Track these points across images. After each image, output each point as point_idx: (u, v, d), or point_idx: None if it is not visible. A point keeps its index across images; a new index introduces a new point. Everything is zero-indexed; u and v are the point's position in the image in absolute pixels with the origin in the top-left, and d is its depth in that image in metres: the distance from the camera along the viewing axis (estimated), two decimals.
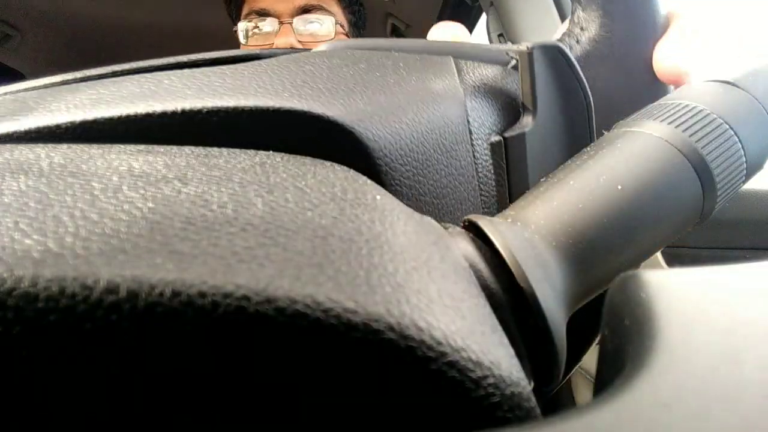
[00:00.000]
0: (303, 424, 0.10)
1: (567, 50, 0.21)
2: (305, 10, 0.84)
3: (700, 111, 0.19)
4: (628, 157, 0.18)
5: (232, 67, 0.19)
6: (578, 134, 0.23)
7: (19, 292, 0.08)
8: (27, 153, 0.13)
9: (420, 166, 0.18)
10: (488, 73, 0.22)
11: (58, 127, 0.15)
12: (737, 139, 0.19)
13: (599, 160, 0.18)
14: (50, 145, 0.14)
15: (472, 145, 0.20)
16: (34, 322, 0.08)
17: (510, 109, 0.22)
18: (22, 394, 0.09)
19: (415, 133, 0.18)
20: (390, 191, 0.17)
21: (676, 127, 0.18)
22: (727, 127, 0.19)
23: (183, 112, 0.16)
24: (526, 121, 0.21)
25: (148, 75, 0.18)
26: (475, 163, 0.20)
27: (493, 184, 0.21)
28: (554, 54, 0.21)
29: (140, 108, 0.15)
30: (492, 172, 0.21)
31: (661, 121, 0.19)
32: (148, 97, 0.16)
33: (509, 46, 0.22)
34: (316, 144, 0.16)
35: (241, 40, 0.85)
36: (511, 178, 0.21)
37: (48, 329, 0.08)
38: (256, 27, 0.84)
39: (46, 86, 0.18)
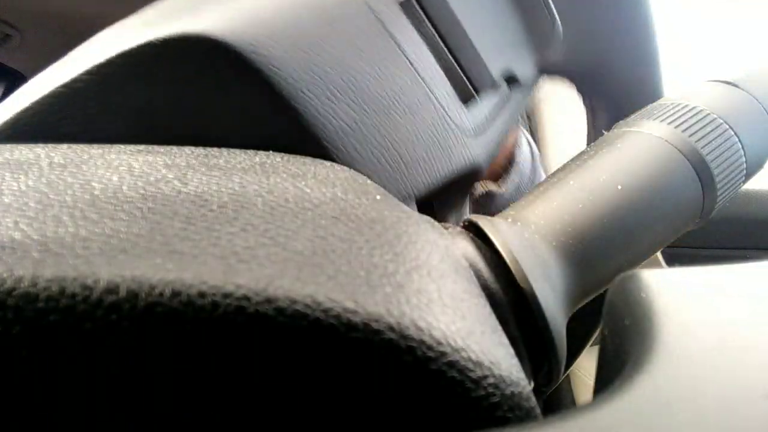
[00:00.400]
0: (303, 424, 0.10)
1: None
2: None
3: (700, 111, 0.19)
4: (628, 157, 0.18)
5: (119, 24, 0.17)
6: None
7: (19, 292, 0.08)
8: (27, 153, 0.13)
9: (315, 51, 0.15)
10: None
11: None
12: (737, 139, 0.19)
13: (599, 160, 0.18)
14: (50, 145, 0.14)
15: (373, 11, 0.16)
16: (34, 322, 0.08)
17: None
18: (21, 395, 0.09)
19: (294, 24, 0.15)
20: (290, 93, 0.14)
21: (676, 127, 0.18)
22: (727, 127, 0.19)
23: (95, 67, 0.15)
24: None
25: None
26: (388, 30, 0.16)
27: (423, 46, 0.17)
28: None
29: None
30: (415, 34, 0.17)
31: (661, 121, 0.19)
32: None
33: None
34: (201, 70, 0.14)
35: None
36: (442, 31, 0.18)
37: (48, 329, 0.08)
38: None
39: None
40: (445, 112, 0.18)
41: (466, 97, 0.19)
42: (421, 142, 0.17)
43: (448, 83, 0.18)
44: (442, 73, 0.18)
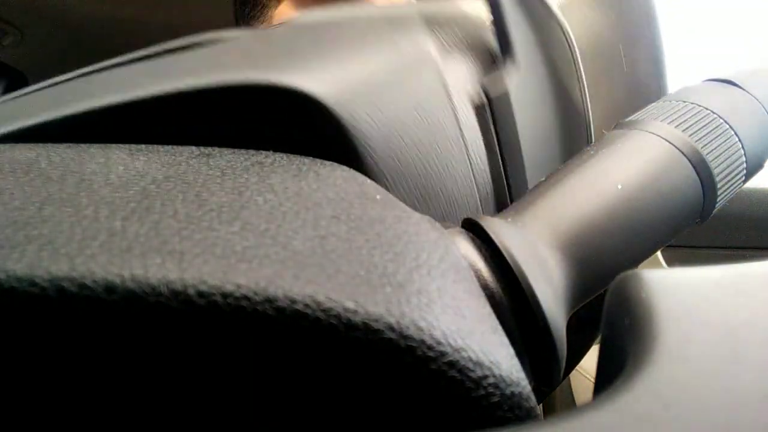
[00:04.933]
0: (303, 424, 0.10)
1: None
2: None
3: (700, 111, 0.19)
4: (628, 156, 0.18)
5: (191, 50, 0.18)
6: (566, 81, 0.21)
7: (18, 292, 0.08)
8: (27, 152, 0.13)
9: (398, 135, 0.16)
10: (460, 26, 0.20)
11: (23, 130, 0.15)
12: (737, 139, 0.19)
13: (599, 160, 0.18)
14: (50, 145, 0.14)
15: (453, 106, 0.18)
16: (33, 322, 0.08)
17: (489, 63, 0.20)
18: (21, 395, 0.09)
19: (388, 99, 0.16)
20: (369, 166, 0.16)
21: (676, 126, 0.18)
22: (727, 127, 0.19)
23: (139, 101, 0.15)
24: (508, 76, 0.19)
25: (110, 71, 0.17)
26: (459, 126, 0.18)
27: (483, 149, 0.19)
28: None
29: (99, 102, 0.15)
30: (479, 136, 0.19)
31: (661, 120, 0.19)
32: (108, 91, 0.15)
33: None
34: (285, 121, 0.15)
35: None
36: (501, 140, 0.19)
37: (47, 329, 0.08)
38: None
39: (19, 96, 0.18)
40: (482, 213, 0.19)
41: (501, 208, 0.20)
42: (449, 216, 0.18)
43: (492, 191, 0.20)
44: (491, 181, 0.20)
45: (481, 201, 0.19)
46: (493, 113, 0.19)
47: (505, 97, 0.19)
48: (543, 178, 0.18)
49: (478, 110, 0.19)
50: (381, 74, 0.17)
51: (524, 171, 0.20)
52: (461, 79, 0.19)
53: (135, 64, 0.17)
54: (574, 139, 0.23)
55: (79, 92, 0.16)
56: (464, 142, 0.18)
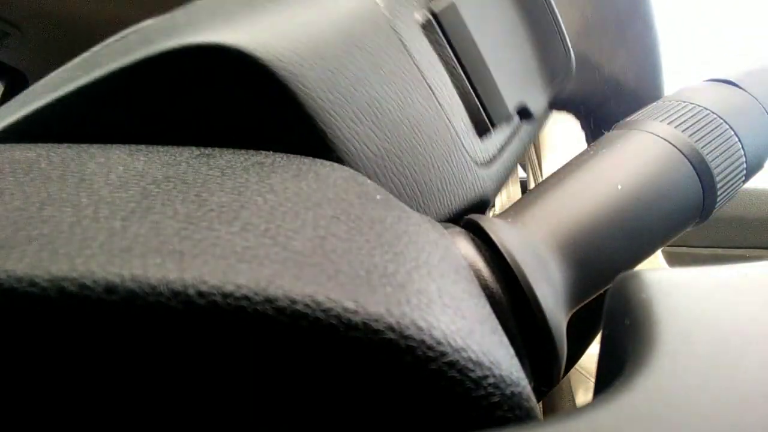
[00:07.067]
0: (303, 424, 0.10)
1: None
2: None
3: (700, 111, 0.19)
4: (628, 157, 0.18)
5: (127, 37, 0.17)
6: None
7: (18, 292, 0.08)
8: (27, 152, 0.13)
9: (340, 71, 0.15)
10: None
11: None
12: (737, 139, 0.19)
13: (599, 160, 0.18)
14: (50, 145, 0.14)
15: (396, 31, 0.16)
16: (34, 322, 0.08)
17: None
18: (20, 395, 0.09)
19: (323, 42, 0.15)
20: (317, 116, 0.14)
21: (676, 127, 0.18)
22: (727, 127, 0.19)
23: (72, 94, 0.15)
24: None
25: (57, 74, 0.17)
26: (408, 51, 0.16)
27: (442, 69, 0.17)
28: None
29: (36, 105, 0.15)
30: (434, 56, 0.17)
31: (661, 121, 0.19)
32: (47, 93, 0.15)
33: None
34: (221, 84, 0.14)
35: None
36: (460, 55, 0.18)
37: (47, 329, 0.08)
38: None
39: None
40: (462, 143, 0.18)
41: (482, 129, 0.19)
42: (437, 173, 0.17)
43: (465, 113, 0.18)
44: (460, 102, 0.18)
45: (452, 124, 0.18)
46: (442, 28, 0.18)
47: (451, 10, 0.18)
48: (543, 178, 0.18)
49: (426, 29, 0.17)
50: (314, 16, 0.15)
51: (494, 81, 0.19)
52: (401, 2, 0.17)
53: (80, 59, 0.17)
54: (548, 42, 0.22)
55: (39, 91, 0.16)
56: (416, 65, 0.17)
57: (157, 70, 0.14)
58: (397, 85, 0.16)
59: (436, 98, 0.17)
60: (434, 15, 0.17)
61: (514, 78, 0.20)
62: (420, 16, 0.17)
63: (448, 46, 0.18)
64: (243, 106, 0.14)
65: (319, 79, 0.14)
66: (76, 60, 0.18)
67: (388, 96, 0.16)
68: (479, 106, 0.19)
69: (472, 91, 0.18)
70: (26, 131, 0.15)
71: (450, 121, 0.17)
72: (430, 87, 0.17)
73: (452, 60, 0.18)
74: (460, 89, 0.18)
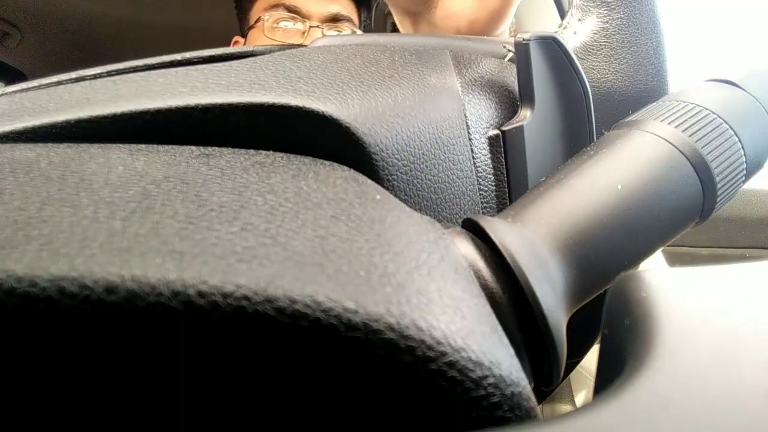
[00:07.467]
0: (304, 423, 0.10)
1: (563, 41, 0.21)
2: (336, 18, 0.85)
3: (700, 111, 0.19)
4: (628, 157, 0.18)
5: (227, 63, 0.19)
6: (577, 126, 0.23)
7: (18, 292, 0.08)
8: (27, 152, 0.13)
9: (417, 161, 0.18)
10: (485, 66, 0.22)
11: (53, 126, 0.15)
12: (737, 139, 0.19)
13: (599, 160, 0.18)
14: (50, 145, 0.14)
15: (470, 139, 0.20)
16: (33, 322, 0.08)
17: (508, 102, 0.22)
18: (20, 395, 0.09)
19: (411, 128, 0.18)
20: (386, 187, 0.17)
21: (676, 127, 0.18)
22: (727, 127, 0.19)
23: (177, 109, 0.16)
24: (524, 114, 0.21)
25: (142, 74, 0.18)
26: (473, 158, 0.20)
27: (492, 179, 0.21)
28: (551, 46, 0.21)
29: (134, 106, 0.15)
30: (490, 166, 0.21)
31: (661, 121, 0.19)
32: (142, 95, 0.16)
33: (506, 38, 0.22)
34: (311, 141, 0.16)
35: (265, 31, 0.84)
36: (510, 172, 0.21)
37: (47, 330, 0.08)
38: (284, 22, 0.83)
39: (41, 86, 0.18)
40: None
41: None
42: None
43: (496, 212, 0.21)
44: (495, 205, 0.21)
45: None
46: (505, 146, 0.21)
47: (518, 133, 0.21)
48: (543, 178, 0.18)
49: (492, 142, 0.21)
50: (408, 107, 0.18)
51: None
52: (480, 115, 0.21)
53: (170, 69, 0.18)
54: (578, 148, 0.24)
55: (109, 92, 0.16)
56: (476, 173, 0.20)
57: (260, 116, 0.16)
58: (455, 176, 0.20)
59: (481, 205, 0.21)
60: (503, 132, 0.21)
61: None
62: (492, 129, 0.21)
63: (504, 162, 0.21)
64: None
65: (397, 162, 0.17)
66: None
67: (447, 189, 0.19)
68: None
69: (508, 200, 0.22)
70: (77, 136, 0.15)
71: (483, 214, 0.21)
72: (480, 194, 0.20)
73: (503, 176, 0.21)
74: (499, 200, 0.21)
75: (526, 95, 0.21)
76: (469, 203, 0.20)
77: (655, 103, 0.20)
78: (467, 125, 0.20)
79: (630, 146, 0.18)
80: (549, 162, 0.22)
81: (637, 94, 0.25)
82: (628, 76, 0.25)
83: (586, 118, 0.23)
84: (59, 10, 1.23)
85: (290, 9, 0.84)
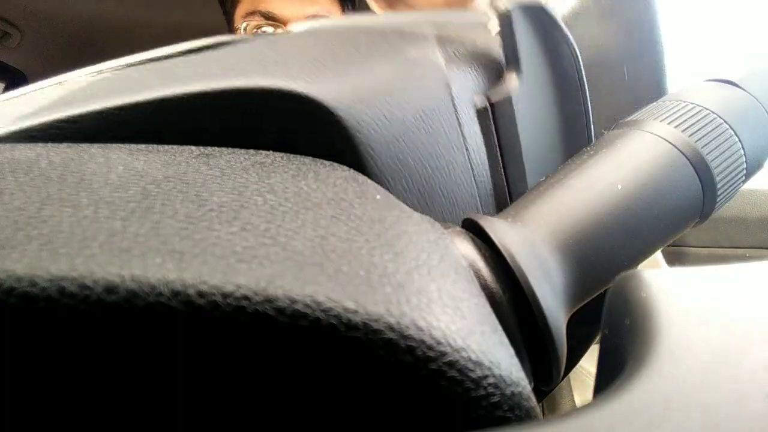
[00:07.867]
0: (304, 423, 0.10)
1: (549, 8, 0.21)
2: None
3: (700, 111, 0.19)
4: (628, 156, 0.18)
5: (204, 53, 0.18)
6: (568, 92, 0.22)
7: (18, 292, 0.08)
8: (27, 152, 0.13)
9: (400, 136, 0.17)
10: (468, 37, 0.21)
11: (30, 129, 0.15)
12: (737, 139, 0.19)
13: (599, 160, 0.18)
14: (50, 145, 0.14)
15: (456, 113, 0.19)
16: (33, 322, 0.08)
17: (495, 73, 0.21)
18: (20, 395, 0.09)
19: (392, 103, 0.17)
20: (370, 165, 0.17)
21: (676, 126, 0.18)
22: (727, 127, 0.19)
23: (148, 102, 0.15)
24: (512, 84, 0.20)
25: (119, 72, 0.18)
26: (461, 130, 0.19)
27: (484, 153, 0.20)
28: (536, 13, 0.20)
29: (108, 103, 0.15)
30: (481, 140, 0.20)
31: (661, 120, 0.19)
32: (114, 92, 0.16)
33: (487, 7, 0.21)
34: (289, 124, 0.16)
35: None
36: (503, 144, 0.20)
37: (47, 330, 0.08)
38: (260, 28, 0.84)
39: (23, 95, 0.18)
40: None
41: (501, 208, 0.21)
42: None
43: (492, 194, 0.21)
44: (491, 185, 0.21)
45: (481, 202, 0.20)
46: (495, 118, 0.20)
47: (507, 103, 0.20)
48: (543, 178, 0.18)
49: (481, 114, 0.20)
50: (388, 82, 0.18)
51: (524, 173, 0.21)
52: (467, 87, 0.20)
53: (146, 65, 0.18)
54: (576, 146, 0.24)
55: (85, 92, 0.16)
56: (465, 145, 0.19)
57: (241, 101, 0.16)
58: (446, 161, 0.19)
59: (473, 173, 0.20)
60: (491, 104, 0.20)
61: (541, 166, 0.22)
62: (479, 101, 0.20)
63: (495, 134, 0.20)
64: (307, 145, 0.16)
65: (383, 146, 0.17)
66: (139, 57, 0.20)
67: (436, 171, 0.19)
68: (507, 193, 0.21)
69: (504, 177, 0.21)
70: (93, 128, 0.16)
71: (479, 199, 0.20)
72: (471, 167, 0.20)
73: (495, 148, 0.20)
74: (494, 173, 0.21)
75: (512, 64, 0.20)
76: (462, 183, 0.19)
77: (654, 103, 0.20)
78: (452, 97, 0.19)
79: (630, 146, 0.18)
80: (542, 133, 0.21)
81: (630, 57, 0.24)
82: (620, 39, 0.25)
83: (578, 84, 0.22)
84: (59, 10, 1.23)
85: (266, 16, 0.84)
